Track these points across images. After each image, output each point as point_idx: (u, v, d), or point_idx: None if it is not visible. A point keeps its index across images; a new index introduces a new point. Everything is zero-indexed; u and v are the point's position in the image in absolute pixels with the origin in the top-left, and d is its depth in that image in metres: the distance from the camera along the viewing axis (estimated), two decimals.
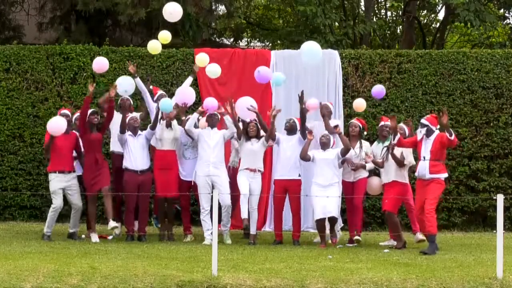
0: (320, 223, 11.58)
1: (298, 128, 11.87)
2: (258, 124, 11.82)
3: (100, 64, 12.10)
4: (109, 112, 11.87)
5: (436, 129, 10.99)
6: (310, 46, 11.78)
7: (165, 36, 11.97)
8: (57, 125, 11.51)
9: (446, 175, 11.00)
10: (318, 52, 11.77)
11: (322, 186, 11.52)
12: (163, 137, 11.91)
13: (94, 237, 11.66)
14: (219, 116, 11.97)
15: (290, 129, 11.90)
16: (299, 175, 11.87)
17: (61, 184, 11.70)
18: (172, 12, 11.79)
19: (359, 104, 12.60)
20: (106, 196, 11.64)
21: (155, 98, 12.32)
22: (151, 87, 13.01)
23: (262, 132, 11.90)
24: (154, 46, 12.03)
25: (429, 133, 10.95)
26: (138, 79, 12.02)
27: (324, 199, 11.30)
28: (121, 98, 12.29)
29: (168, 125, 11.95)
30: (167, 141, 11.92)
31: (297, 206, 11.87)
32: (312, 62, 12.29)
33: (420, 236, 11.57)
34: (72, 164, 11.84)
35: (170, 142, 11.96)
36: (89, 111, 11.75)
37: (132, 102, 12.53)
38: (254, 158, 11.78)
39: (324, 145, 11.66)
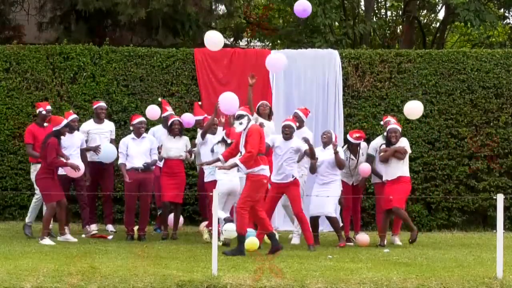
0: (312, 221, 11.49)
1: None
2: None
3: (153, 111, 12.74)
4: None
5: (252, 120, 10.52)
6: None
7: (253, 241, 10.83)
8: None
9: (261, 167, 10.22)
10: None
11: (319, 185, 11.60)
12: (171, 146, 11.99)
13: (66, 237, 11.63)
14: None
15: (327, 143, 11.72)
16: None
17: None
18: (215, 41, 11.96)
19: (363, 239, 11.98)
20: (61, 208, 11.51)
21: (164, 114, 12.60)
22: (159, 99, 13.15)
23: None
24: None
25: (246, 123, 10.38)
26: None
27: (319, 197, 11.33)
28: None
29: (176, 135, 12.01)
30: (174, 150, 12.05)
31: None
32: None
33: (397, 241, 11.91)
34: None
35: (177, 152, 12.06)
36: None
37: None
38: None
39: (325, 144, 11.68)
